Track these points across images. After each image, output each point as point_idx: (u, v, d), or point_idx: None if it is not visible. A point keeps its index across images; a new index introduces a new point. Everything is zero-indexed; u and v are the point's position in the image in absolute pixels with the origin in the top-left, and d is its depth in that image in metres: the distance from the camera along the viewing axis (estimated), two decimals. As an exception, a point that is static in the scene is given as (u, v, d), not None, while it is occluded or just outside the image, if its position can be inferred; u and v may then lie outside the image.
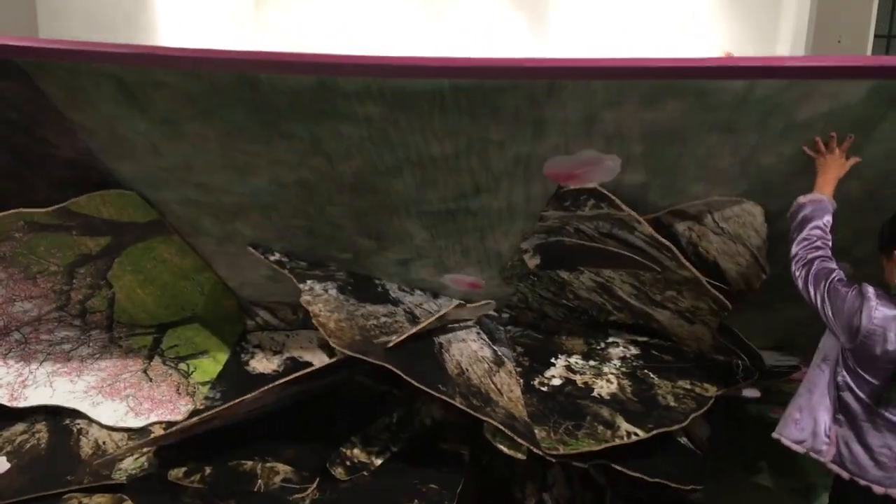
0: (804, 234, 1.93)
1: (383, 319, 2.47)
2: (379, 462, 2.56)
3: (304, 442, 2.68)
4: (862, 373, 1.85)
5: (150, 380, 2.90)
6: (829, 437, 1.93)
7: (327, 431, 2.70)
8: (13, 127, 2.12)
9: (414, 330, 2.29)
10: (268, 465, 2.62)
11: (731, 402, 3.43)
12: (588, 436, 2.28)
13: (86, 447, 2.70)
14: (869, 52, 6.67)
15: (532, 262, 2.44)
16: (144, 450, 2.66)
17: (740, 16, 7.72)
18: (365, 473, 2.53)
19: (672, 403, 2.35)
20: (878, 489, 1.86)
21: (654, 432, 2.27)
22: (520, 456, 2.27)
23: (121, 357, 2.90)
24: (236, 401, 2.37)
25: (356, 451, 2.57)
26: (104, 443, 2.74)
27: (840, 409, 1.92)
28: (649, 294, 2.39)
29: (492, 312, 2.81)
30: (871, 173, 1.98)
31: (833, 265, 1.89)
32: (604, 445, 2.24)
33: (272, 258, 2.52)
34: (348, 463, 2.54)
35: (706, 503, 2.94)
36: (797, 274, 1.91)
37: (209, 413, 2.44)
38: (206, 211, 2.37)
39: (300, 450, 2.66)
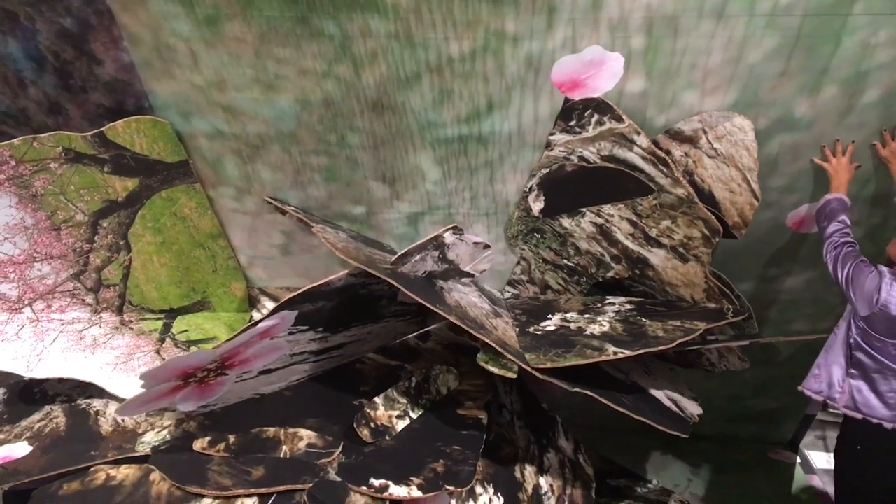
0: (836, 221, 2.24)
1: (389, 258, 2.44)
2: (400, 426, 2.44)
3: (324, 410, 2.57)
4: (875, 334, 2.15)
5: (163, 359, 2.80)
6: (841, 388, 2.25)
7: (346, 401, 2.60)
8: (66, 38, 2.19)
9: (416, 244, 2.25)
10: (290, 431, 2.49)
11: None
12: (576, 356, 2.20)
13: (105, 425, 2.59)
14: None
15: (536, 205, 2.45)
16: (166, 423, 2.54)
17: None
18: (388, 437, 2.42)
19: (661, 334, 2.29)
20: (887, 425, 2.18)
21: (641, 351, 2.18)
22: (511, 375, 2.16)
23: (132, 338, 2.81)
24: (249, 325, 2.28)
25: (379, 412, 2.46)
26: (122, 420, 2.62)
27: (853, 364, 2.23)
28: (645, 229, 2.38)
29: (493, 290, 2.78)
30: (848, 72, 2.07)
31: (857, 250, 2.19)
32: (590, 360, 2.16)
33: (289, 207, 2.52)
34: (372, 425, 2.43)
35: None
36: (829, 254, 2.22)
37: (222, 346, 2.32)
38: (230, 146, 2.39)
39: (321, 418, 2.55)
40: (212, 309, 2.97)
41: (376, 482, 2.19)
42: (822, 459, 3.51)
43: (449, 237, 2.35)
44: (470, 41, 2.04)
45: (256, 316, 3.01)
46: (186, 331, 2.91)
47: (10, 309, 2.66)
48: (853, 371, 2.24)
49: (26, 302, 2.68)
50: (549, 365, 2.14)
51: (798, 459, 3.44)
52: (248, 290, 2.95)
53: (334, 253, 2.25)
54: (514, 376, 2.19)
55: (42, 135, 2.33)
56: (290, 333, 2.40)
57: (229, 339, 2.36)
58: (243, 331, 2.31)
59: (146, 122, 2.37)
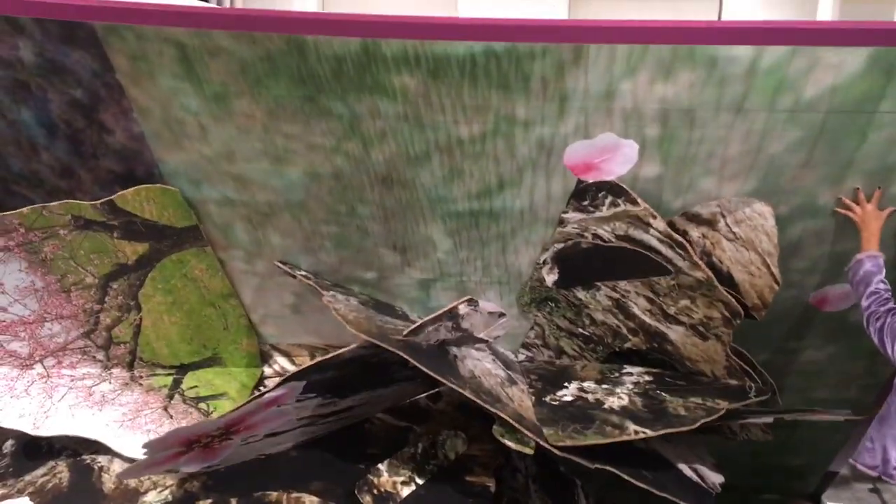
0: (872, 287, 2.06)
1: (401, 328, 2.42)
2: (405, 493, 2.42)
3: (330, 474, 2.56)
4: None
5: (171, 417, 2.81)
6: None
7: (352, 465, 2.58)
8: (76, 108, 2.21)
9: (429, 317, 2.24)
10: (293, 495, 2.49)
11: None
12: (596, 433, 2.16)
13: (108, 483, 2.61)
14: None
15: (550, 277, 2.41)
16: (168, 482, 2.54)
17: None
18: (391, 503, 2.40)
19: (682, 413, 2.24)
20: None
21: (662, 431, 2.14)
22: (527, 451, 2.14)
23: (141, 394, 2.83)
24: (256, 396, 2.27)
25: (383, 479, 2.44)
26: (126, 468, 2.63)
27: None
28: (663, 307, 2.34)
29: (507, 352, 2.75)
30: (874, 165, 2.01)
31: None
32: (611, 440, 2.12)
33: (300, 273, 2.51)
34: (375, 491, 2.41)
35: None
36: (871, 328, 2.04)
37: (228, 414, 2.32)
38: (240, 213, 2.40)
39: (325, 482, 2.54)
40: (223, 364, 2.97)
41: None
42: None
43: (463, 308, 2.33)
44: (480, 125, 2.02)
45: (268, 371, 3.01)
46: (196, 386, 2.92)
47: (21, 365, 2.69)
48: None
49: (37, 358, 2.71)
50: (568, 443, 2.12)
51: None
52: (259, 346, 2.94)
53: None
54: (531, 452, 2.16)
55: (51, 204, 2.35)
56: (298, 401, 2.39)
57: (235, 409, 2.36)
58: (250, 401, 2.31)
59: (156, 191, 2.38)
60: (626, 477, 2.07)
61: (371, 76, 1.95)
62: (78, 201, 2.38)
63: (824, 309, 2.45)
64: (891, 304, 2.03)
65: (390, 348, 2.12)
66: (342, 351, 2.22)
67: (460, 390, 2.11)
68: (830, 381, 2.68)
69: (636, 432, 2.09)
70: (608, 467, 2.07)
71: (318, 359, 2.22)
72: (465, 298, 2.34)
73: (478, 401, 2.11)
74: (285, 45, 1.91)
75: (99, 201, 2.38)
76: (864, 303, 2.07)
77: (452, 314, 2.30)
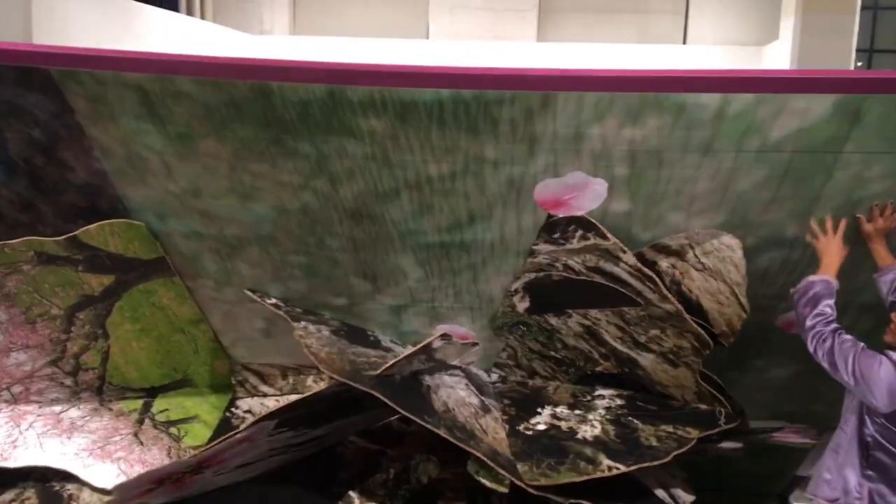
0: (818, 309, 2.01)
1: (374, 359, 2.43)
2: None
3: (301, 501, 2.57)
4: None
5: (141, 443, 2.80)
6: (859, 493, 2.03)
7: (324, 490, 2.59)
8: (35, 147, 2.17)
9: (402, 357, 2.25)
10: None
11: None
12: (570, 470, 2.20)
13: None
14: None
15: (521, 305, 2.43)
16: None
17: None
18: None
19: (654, 443, 2.29)
20: None
21: (635, 467, 2.19)
22: (502, 489, 2.18)
23: (111, 420, 2.81)
24: (227, 435, 2.28)
25: None
26: None
27: (871, 465, 2.02)
28: (634, 335, 2.37)
29: (480, 372, 2.77)
30: (840, 201, 2.04)
31: (851, 337, 1.97)
32: (585, 477, 2.16)
33: (269, 302, 2.50)
34: None
35: None
36: (819, 350, 2.00)
37: (199, 454, 2.33)
38: (208, 245, 2.37)
39: None
40: (194, 385, 2.96)
41: None
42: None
43: (437, 343, 2.34)
44: (449, 164, 2.02)
45: (240, 391, 3.00)
46: (167, 410, 2.91)
47: None
48: (870, 473, 2.03)
49: (3, 387, 2.68)
50: (542, 481, 2.16)
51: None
52: (231, 366, 2.93)
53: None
54: (506, 490, 2.19)
55: (12, 241, 2.31)
56: (270, 435, 2.40)
57: (207, 447, 2.36)
58: (222, 440, 2.31)
59: (120, 225, 2.36)
60: None
61: (338, 119, 1.93)
62: (40, 238, 2.35)
63: (790, 331, 2.50)
64: (835, 325, 2.01)
65: (363, 388, 2.13)
66: (315, 392, 2.23)
67: (434, 429, 2.13)
68: (797, 397, 2.74)
69: (609, 468, 2.13)
70: (583, 502, 2.11)
71: (291, 400, 2.22)
72: (439, 335, 2.35)
73: (452, 439, 2.14)
74: (249, 91, 1.89)
75: (62, 237, 2.35)
76: (809, 323, 2.02)
77: (426, 349, 2.31)
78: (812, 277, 2.07)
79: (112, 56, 1.84)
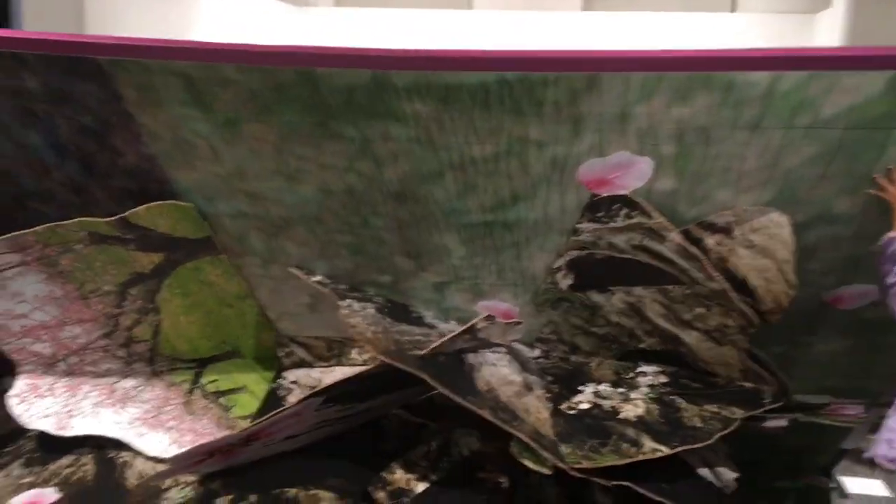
0: None
1: (418, 337, 2.47)
2: (419, 489, 2.51)
3: (346, 471, 2.64)
4: None
5: (192, 413, 2.89)
6: None
7: (367, 461, 2.66)
8: (86, 133, 2.22)
9: (446, 338, 2.29)
10: (310, 492, 2.58)
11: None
12: (612, 452, 2.23)
13: (131, 478, 2.69)
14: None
15: (564, 282, 2.44)
16: (190, 479, 2.63)
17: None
18: (405, 500, 2.48)
19: (698, 424, 2.30)
20: None
21: (679, 448, 2.21)
22: (545, 471, 2.21)
23: (163, 390, 2.90)
24: (276, 411, 2.35)
25: (396, 475, 2.53)
26: (149, 474, 2.72)
27: None
28: (678, 313, 2.37)
29: (523, 347, 2.79)
30: None
31: None
32: (627, 460, 2.19)
33: (314, 279, 2.55)
34: (389, 488, 2.49)
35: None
36: None
37: (250, 427, 2.41)
38: (254, 225, 2.42)
39: (342, 478, 2.63)
40: (242, 357, 3.04)
41: None
42: (856, 485, 3.52)
43: (481, 324, 2.37)
44: (493, 146, 2.03)
45: (286, 362, 3.08)
46: (216, 380, 3.00)
47: (44, 363, 2.76)
48: None
49: (60, 357, 2.78)
50: (585, 464, 2.19)
51: (832, 485, 3.45)
52: (277, 339, 3.01)
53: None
54: (549, 472, 2.23)
55: (65, 222, 2.38)
56: (317, 410, 2.47)
57: (257, 423, 2.44)
58: (271, 415, 2.38)
59: (168, 207, 2.41)
60: (642, 491, 2.14)
61: (382, 103, 1.95)
62: (91, 218, 2.41)
63: (839, 307, 2.48)
64: None
65: (408, 369, 2.18)
66: (362, 371, 2.28)
67: (477, 410, 2.17)
68: (846, 372, 2.72)
69: (652, 451, 2.15)
70: (626, 483, 2.14)
71: (338, 380, 2.28)
72: (483, 316, 2.37)
73: (495, 420, 2.18)
74: (295, 76, 1.91)
75: (112, 218, 2.41)
76: (891, 280, 2.00)
77: (471, 330, 2.34)
78: (891, 234, 2.01)
79: (158, 45, 1.87)
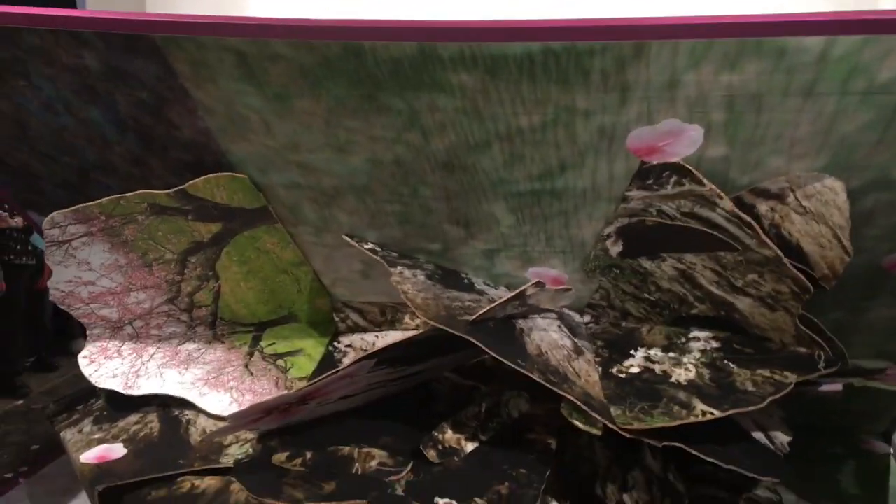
0: None
1: (468, 303, 2.51)
2: (469, 448, 2.57)
3: (398, 430, 2.72)
4: None
5: (252, 374, 3.00)
6: None
7: (418, 422, 2.73)
8: (143, 108, 2.30)
9: (496, 304, 2.32)
10: (364, 450, 2.66)
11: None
12: (663, 414, 2.25)
13: (195, 435, 2.81)
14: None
15: (614, 249, 2.45)
16: (249, 436, 2.73)
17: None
18: (455, 458, 2.55)
19: (750, 388, 2.30)
20: None
21: (730, 412, 2.21)
22: (595, 431, 2.24)
23: (224, 352, 3.02)
24: (330, 373, 2.43)
25: (447, 435, 2.59)
26: (211, 431, 2.84)
27: None
28: (730, 279, 2.36)
29: (573, 313, 2.82)
30: None
31: None
32: (678, 422, 2.20)
33: (366, 247, 2.60)
34: (440, 447, 2.56)
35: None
36: None
37: (306, 387, 2.50)
38: (307, 195, 2.48)
39: (394, 437, 2.71)
40: (299, 321, 3.14)
41: (441, 501, 2.36)
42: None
43: (531, 290, 2.40)
44: (540, 116, 2.03)
45: (341, 326, 3.17)
46: (274, 343, 3.11)
47: (112, 327, 2.90)
48: None
49: (126, 321, 2.92)
50: (635, 426, 2.22)
51: (892, 450, 3.43)
52: (332, 304, 3.09)
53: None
54: (599, 433, 2.27)
55: (128, 194, 2.48)
56: (370, 372, 2.55)
57: (311, 383, 2.53)
58: (325, 377, 2.47)
59: (225, 178, 2.49)
60: (695, 453, 2.16)
61: (428, 75, 1.97)
62: (152, 191, 2.51)
63: (897, 272, 2.44)
64: None
65: (458, 334, 2.23)
66: (413, 335, 2.34)
67: (528, 373, 2.21)
68: (904, 336, 2.68)
69: (703, 413, 2.16)
70: (677, 443, 2.16)
71: (390, 342, 2.35)
72: (533, 282, 2.40)
73: (545, 383, 2.21)
74: (342, 50, 1.94)
75: (172, 190, 2.50)
76: None
77: (520, 296, 2.37)
78: None
79: (209, 22, 1.92)
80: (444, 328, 2.25)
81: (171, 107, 2.25)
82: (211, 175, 2.47)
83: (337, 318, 3.13)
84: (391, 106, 2.08)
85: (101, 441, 2.80)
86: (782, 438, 2.46)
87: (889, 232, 2.29)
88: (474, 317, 2.28)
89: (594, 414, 2.21)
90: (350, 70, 1.98)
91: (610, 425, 2.21)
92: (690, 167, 2.13)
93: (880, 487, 3.19)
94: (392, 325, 3.08)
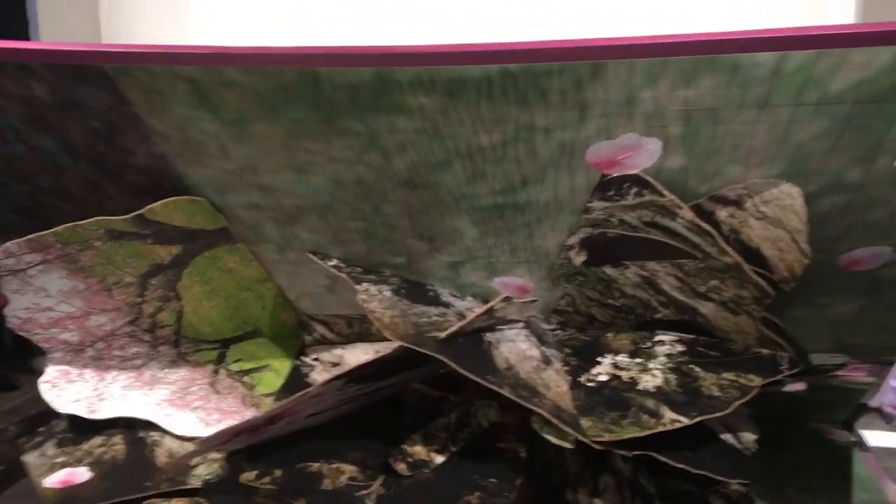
0: None
1: (435, 318, 2.52)
2: (439, 460, 2.58)
3: (367, 444, 2.71)
4: None
5: (218, 392, 2.97)
6: None
7: (388, 435, 2.73)
8: (96, 136, 2.25)
9: (464, 322, 2.33)
10: (333, 465, 2.66)
11: (787, 421, 3.41)
12: (633, 424, 2.28)
13: (161, 456, 2.77)
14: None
15: (578, 258, 2.47)
16: (217, 456, 2.71)
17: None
18: (425, 470, 2.56)
19: (716, 393, 2.34)
20: None
21: (698, 419, 2.25)
22: (567, 445, 2.27)
23: (188, 371, 2.98)
24: (299, 394, 2.42)
25: (417, 448, 2.59)
26: (178, 452, 2.80)
27: None
28: (693, 286, 2.40)
29: (540, 317, 2.84)
30: None
31: None
32: (647, 432, 2.24)
33: (330, 263, 2.60)
34: (410, 459, 2.57)
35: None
36: None
37: (274, 409, 2.49)
38: (268, 215, 2.46)
39: (364, 451, 2.70)
40: (264, 336, 3.12)
41: None
42: (878, 438, 3.58)
43: (498, 305, 2.42)
44: (500, 134, 2.04)
45: (308, 339, 3.16)
46: (240, 359, 3.08)
47: (73, 350, 2.86)
48: None
49: (88, 343, 2.88)
50: (606, 437, 2.24)
51: (853, 439, 3.51)
52: (297, 318, 3.08)
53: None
54: (572, 447, 2.30)
55: (83, 222, 2.44)
56: (339, 390, 2.55)
57: (280, 405, 2.52)
58: (294, 398, 2.46)
59: (183, 202, 2.45)
60: (664, 460, 2.20)
61: (387, 98, 1.96)
62: (109, 217, 2.47)
63: (855, 269, 2.49)
64: None
65: (427, 352, 2.23)
66: (384, 355, 2.34)
67: (498, 389, 2.23)
68: (862, 330, 2.74)
69: (672, 421, 2.20)
70: (648, 453, 2.19)
71: (360, 363, 2.34)
72: (501, 297, 2.41)
73: (515, 398, 2.23)
74: (298, 76, 1.92)
75: (129, 215, 2.47)
76: None
77: (488, 312, 2.39)
78: None
79: (159, 51, 1.89)
80: (414, 347, 2.26)
81: (125, 134, 2.21)
82: (169, 199, 2.43)
83: (303, 332, 3.12)
84: (350, 128, 2.07)
85: (64, 465, 2.75)
86: (749, 437, 2.51)
87: (845, 232, 2.34)
88: (443, 335, 2.29)
89: (565, 427, 2.23)
90: (308, 95, 1.97)
91: (581, 438, 2.24)
92: (650, 179, 2.15)
93: (843, 476, 3.27)
94: (360, 336, 3.08)
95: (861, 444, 3.34)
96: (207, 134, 2.18)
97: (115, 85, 2.06)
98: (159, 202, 2.46)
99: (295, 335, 3.14)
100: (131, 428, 2.86)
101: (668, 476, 2.76)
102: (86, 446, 2.83)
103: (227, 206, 2.51)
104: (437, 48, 1.79)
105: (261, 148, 2.20)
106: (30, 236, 2.48)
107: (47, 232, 2.48)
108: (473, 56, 1.78)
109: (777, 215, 2.23)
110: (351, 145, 2.16)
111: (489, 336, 2.53)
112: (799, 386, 2.58)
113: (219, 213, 2.55)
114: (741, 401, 2.30)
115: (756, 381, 2.37)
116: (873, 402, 2.12)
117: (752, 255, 2.33)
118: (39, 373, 2.85)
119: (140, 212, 2.48)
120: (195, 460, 2.75)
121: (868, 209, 2.27)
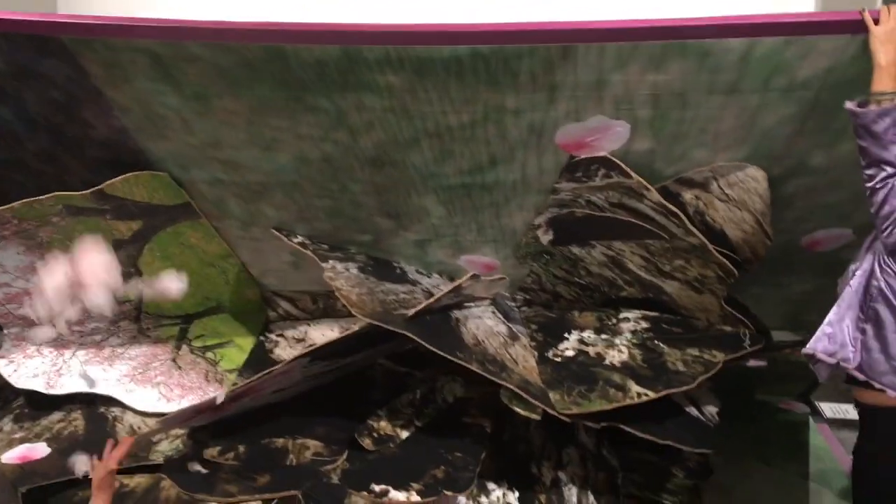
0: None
1: (402, 296, 2.52)
2: (404, 435, 2.61)
3: (332, 420, 2.73)
4: None
5: (180, 368, 2.95)
6: (853, 345, 1.97)
7: (353, 410, 2.74)
8: (54, 107, 2.20)
9: (432, 300, 2.34)
10: (298, 441, 2.66)
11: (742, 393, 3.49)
12: (600, 398, 2.32)
13: (122, 432, 2.75)
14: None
15: (545, 237, 2.49)
16: (179, 432, 2.69)
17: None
18: (391, 445, 2.57)
19: (681, 368, 2.39)
20: (891, 394, 1.92)
21: (664, 392, 2.30)
22: (535, 417, 2.31)
23: (150, 346, 2.95)
24: (264, 373, 2.42)
25: (382, 423, 2.61)
26: (139, 428, 2.79)
27: (869, 318, 1.95)
28: (658, 265, 2.43)
29: (506, 294, 2.85)
30: None
31: None
32: (615, 405, 2.28)
33: (295, 241, 2.57)
34: (375, 435, 2.58)
35: (718, 488, 3.00)
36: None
37: (238, 388, 2.48)
38: (232, 191, 2.43)
39: (328, 427, 2.71)
40: (227, 311, 3.09)
41: (377, 487, 2.41)
42: (832, 409, 3.68)
43: (466, 283, 2.43)
44: (469, 114, 2.04)
45: (272, 315, 3.14)
46: (203, 335, 3.06)
47: (30, 324, 2.81)
48: (865, 326, 1.95)
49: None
50: (574, 410, 2.28)
51: (809, 410, 3.61)
52: (262, 294, 3.06)
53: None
54: (539, 418, 2.33)
55: (41, 197, 2.38)
56: (304, 367, 2.54)
57: (245, 383, 2.51)
58: (258, 377, 2.46)
59: (144, 176, 2.41)
60: (631, 430, 2.25)
61: (354, 77, 1.94)
62: (68, 192, 2.41)
63: (816, 250, 2.54)
64: None
65: (395, 329, 2.24)
66: (349, 334, 2.34)
67: (467, 365, 2.25)
68: (820, 307, 2.80)
69: (639, 395, 2.25)
70: (615, 424, 2.24)
71: (325, 341, 2.34)
72: (469, 275, 2.42)
73: (484, 373, 2.25)
74: (264, 52, 1.89)
75: (88, 191, 2.41)
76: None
77: (455, 290, 2.39)
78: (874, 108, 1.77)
79: (120, 24, 1.84)
80: (381, 324, 2.26)
81: (85, 106, 2.16)
82: (130, 174, 2.38)
83: (267, 307, 3.10)
84: (318, 106, 2.04)
85: (22, 440, 2.72)
86: (711, 409, 2.58)
87: (807, 213, 2.39)
88: (411, 312, 2.30)
89: (533, 401, 2.26)
90: (274, 72, 1.94)
91: (550, 411, 2.27)
92: (617, 160, 2.17)
93: (800, 446, 3.36)
94: (325, 312, 3.07)
95: (817, 416, 3.44)
96: (169, 108, 2.13)
97: (73, 56, 1.99)
98: (119, 177, 2.40)
99: (259, 311, 3.11)
100: (91, 403, 2.83)
101: (632, 448, 2.83)
102: (45, 422, 2.79)
103: (189, 181, 2.46)
104: (406, 27, 1.76)
105: (225, 123, 2.16)
106: (-16, 213, 2.42)
107: (3, 208, 2.41)
108: (443, 36, 1.76)
109: (742, 198, 2.26)
110: (318, 122, 2.13)
111: (456, 313, 2.53)
112: (761, 362, 2.63)
113: (180, 189, 2.50)
114: (705, 376, 2.35)
115: (719, 356, 2.41)
116: (807, 349, 2.09)
117: (717, 236, 2.36)
118: (-6, 348, 2.80)
119: (100, 187, 2.42)
120: (157, 437, 2.74)
121: (830, 192, 2.32)
